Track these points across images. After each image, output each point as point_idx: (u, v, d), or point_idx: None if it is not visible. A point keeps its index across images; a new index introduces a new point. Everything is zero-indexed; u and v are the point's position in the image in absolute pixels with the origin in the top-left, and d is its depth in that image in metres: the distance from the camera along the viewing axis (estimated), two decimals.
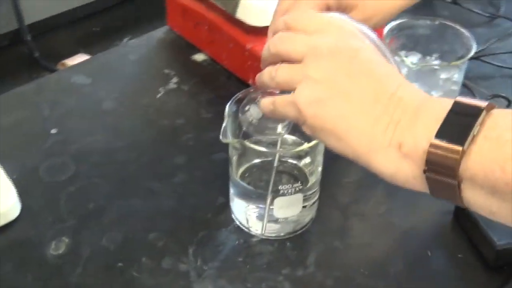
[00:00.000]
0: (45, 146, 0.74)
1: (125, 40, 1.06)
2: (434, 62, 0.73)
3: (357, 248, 0.64)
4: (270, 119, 0.55)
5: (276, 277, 0.60)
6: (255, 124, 0.56)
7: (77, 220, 0.65)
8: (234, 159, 0.62)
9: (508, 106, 0.73)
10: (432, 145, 0.41)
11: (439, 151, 0.41)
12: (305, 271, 0.61)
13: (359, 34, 0.49)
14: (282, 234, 0.63)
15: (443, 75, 0.69)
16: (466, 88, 0.79)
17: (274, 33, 0.52)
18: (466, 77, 0.74)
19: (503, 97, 0.72)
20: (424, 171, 0.42)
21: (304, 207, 0.62)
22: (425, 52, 0.75)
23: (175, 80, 0.85)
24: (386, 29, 0.71)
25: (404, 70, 0.69)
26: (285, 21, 0.51)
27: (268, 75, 0.51)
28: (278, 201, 0.59)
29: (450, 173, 0.40)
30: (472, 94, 0.79)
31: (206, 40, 0.87)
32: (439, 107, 0.42)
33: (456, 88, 0.71)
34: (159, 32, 0.95)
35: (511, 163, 0.38)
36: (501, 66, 0.86)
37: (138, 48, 0.92)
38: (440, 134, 0.41)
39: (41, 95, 0.82)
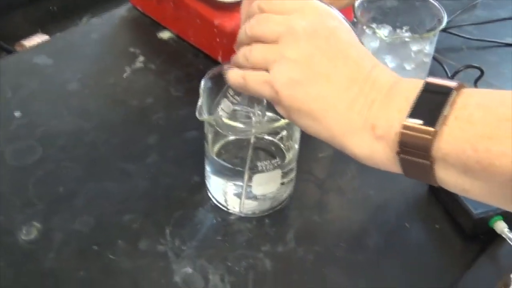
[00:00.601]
0: (9, 129, 0.71)
1: (84, 19, 1.03)
2: (405, 34, 0.73)
3: (336, 222, 0.64)
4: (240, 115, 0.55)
5: (256, 254, 0.59)
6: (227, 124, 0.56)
7: (47, 204, 0.63)
8: (210, 136, 0.60)
9: (481, 77, 0.73)
10: (404, 127, 0.41)
11: (411, 132, 0.41)
12: (285, 247, 0.60)
13: (334, 15, 0.49)
14: (259, 211, 0.62)
15: (414, 47, 0.69)
16: (435, 61, 0.79)
17: (248, 17, 0.51)
18: (434, 49, 0.74)
19: (476, 67, 0.73)
20: (397, 153, 0.42)
21: (282, 183, 0.61)
22: (395, 25, 0.75)
23: (141, 58, 0.83)
24: (356, 3, 0.71)
25: (377, 43, 0.69)
26: (259, 5, 0.50)
27: (242, 55, 0.50)
28: (257, 177, 0.59)
29: (423, 154, 0.41)
30: (442, 66, 0.79)
31: (172, 17, 0.85)
32: (411, 87, 0.42)
33: (427, 60, 0.71)
34: (121, 10, 0.92)
35: (482, 142, 0.38)
36: (468, 38, 0.86)
37: (100, 27, 0.89)
38: (412, 116, 0.41)
39: (2, 77, 0.79)
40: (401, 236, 0.62)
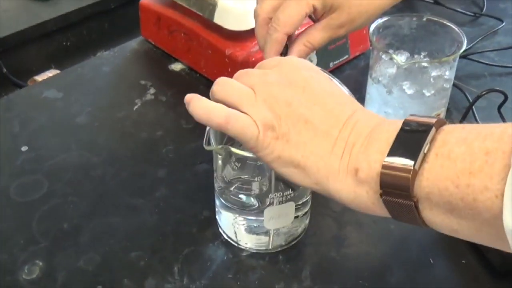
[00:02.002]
0: (15, 164, 0.69)
1: (98, 54, 1.02)
2: (423, 59, 0.70)
3: (355, 258, 0.60)
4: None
5: None
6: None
7: (51, 241, 0.60)
8: (219, 169, 0.58)
9: (505, 101, 0.70)
10: (384, 166, 0.40)
11: (391, 172, 0.40)
12: (301, 285, 0.57)
13: (311, 66, 0.49)
14: (273, 246, 0.59)
15: (434, 73, 0.66)
16: (456, 87, 0.77)
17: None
18: (455, 76, 0.71)
19: (499, 91, 0.69)
20: (381, 195, 0.41)
21: (296, 217, 0.58)
22: (413, 51, 0.72)
23: (152, 91, 0.81)
24: (371, 28, 0.68)
25: (394, 69, 0.66)
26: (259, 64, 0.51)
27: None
28: (268, 211, 0.56)
29: (405, 194, 0.39)
30: (463, 93, 0.76)
31: (183, 49, 0.84)
32: (391, 128, 0.42)
33: (448, 85, 0.68)
34: (133, 43, 0.91)
35: (463, 178, 0.37)
36: (489, 64, 0.84)
37: (111, 59, 0.88)
38: (391, 155, 0.40)
39: (11, 111, 0.78)
40: (425, 273, 0.58)
